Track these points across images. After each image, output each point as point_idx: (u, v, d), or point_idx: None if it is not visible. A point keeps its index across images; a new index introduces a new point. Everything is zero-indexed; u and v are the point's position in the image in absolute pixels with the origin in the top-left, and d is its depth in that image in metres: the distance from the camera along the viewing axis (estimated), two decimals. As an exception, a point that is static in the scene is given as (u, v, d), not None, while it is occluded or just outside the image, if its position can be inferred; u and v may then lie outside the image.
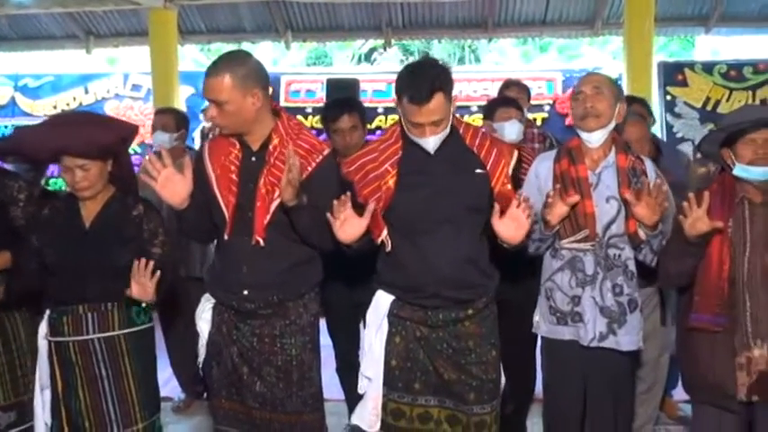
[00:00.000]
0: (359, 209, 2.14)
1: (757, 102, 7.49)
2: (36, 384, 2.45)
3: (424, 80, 2.06)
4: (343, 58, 14.26)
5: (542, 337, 2.52)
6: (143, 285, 2.25)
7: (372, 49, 14.22)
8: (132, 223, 2.36)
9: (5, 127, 7.95)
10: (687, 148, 6.96)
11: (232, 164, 2.22)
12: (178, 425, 3.64)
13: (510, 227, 2.10)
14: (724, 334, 2.21)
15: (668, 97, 7.80)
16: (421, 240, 2.17)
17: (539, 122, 7.84)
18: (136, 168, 2.78)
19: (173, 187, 2.14)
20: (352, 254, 2.18)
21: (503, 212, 2.11)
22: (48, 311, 2.41)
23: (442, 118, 2.13)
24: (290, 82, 8.18)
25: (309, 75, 8.63)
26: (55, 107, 8.21)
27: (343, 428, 3.31)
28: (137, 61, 9.23)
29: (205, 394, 3.14)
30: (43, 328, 2.40)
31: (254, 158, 2.23)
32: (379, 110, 7.80)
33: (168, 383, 3.87)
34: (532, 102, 7.93)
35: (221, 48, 8.36)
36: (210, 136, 2.98)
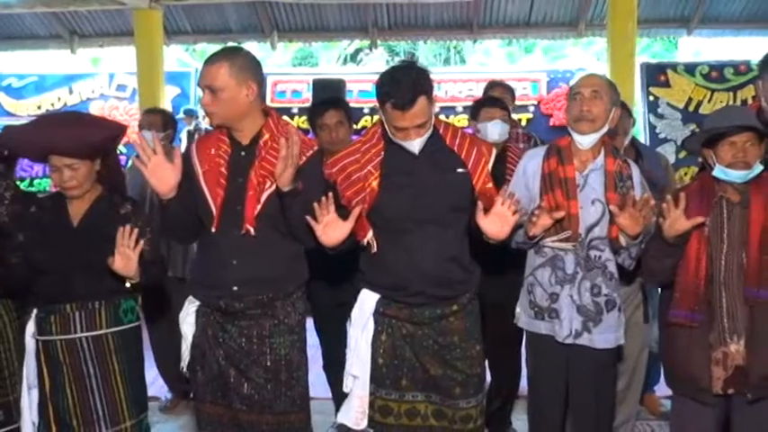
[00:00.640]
0: (342, 210, 2.16)
1: (738, 102, 7.59)
2: (23, 384, 2.44)
3: (406, 85, 2.08)
4: (329, 59, 14.28)
5: (525, 331, 2.56)
6: (126, 256, 2.22)
7: (358, 50, 14.25)
8: (120, 222, 2.36)
9: (-11, 127, 7.90)
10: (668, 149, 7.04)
11: (221, 158, 2.23)
12: (165, 424, 3.64)
13: (496, 224, 2.11)
14: (700, 329, 2.26)
15: (651, 98, 7.90)
16: (405, 240, 2.19)
17: (524, 123, 7.92)
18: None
19: (162, 174, 2.12)
20: (334, 254, 2.19)
21: (486, 210, 2.13)
22: (35, 311, 2.40)
23: (426, 120, 2.15)
24: (277, 82, 8.20)
25: (295, 75, 8.65)
26: (39, 107, 8.18)
27: (330, 427, 3.32)
28: (122, 61, 9.18)
29: (192, 394, 3.14)
30: (30, 327, 2.40)
31: (243, 153, 2.24)
32: (365, 110, 7.83)
33: (155, 383, 3.88)
34: (517, 102, 8.04)
35: (207, 48, 8.36)
36: (197, 137, 2.98)
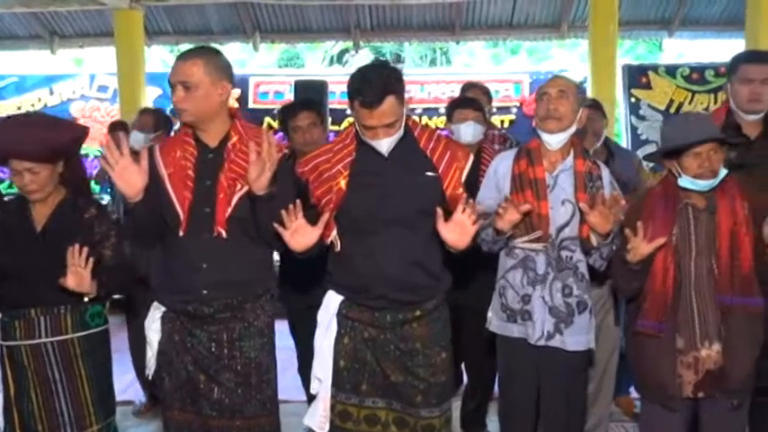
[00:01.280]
0: (313, 210, 2.15)
1: (719, 104, 7.64)
2: (-12, 389, 2.43)
3: (375, 83, 2.07)
4: (314, 60, 14.25)
5: (497, 335, 2.55)
6: (78, 274, 2.21)
7: (344, 51, 14.22)
8: (84, 226, 2.34)
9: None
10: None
11: (188, 161, 2.20)
12: (137, 429, 3.62)
13: (455, 232, 2.08)
14: (666, 338, 2.26)
15: (632, 99, 7.93)
16: (369, 241, 2.18)
17: (506, 124, 7.94)
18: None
19: (129, 177, 2.10)
20: (303, 258, 2.17)
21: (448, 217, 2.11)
22: (-1, 315, 2.38)
23: (395, 120, 2.14)
24: (259, 83, 8.16)
25: (278, 76, 8.61)
26: (19, 108, 8.09)
27: (303, 430, 3.31)
28: (104, 62, 9.11)
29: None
30: (-5, 332, 2.38)
31: (210, 155, 2.22)
32: (348, 111, 7.81)
33: (131, 387, 3.85)
34: (500, 104, 8.06)
35: (189, 49, 8.29)
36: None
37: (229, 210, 2.16)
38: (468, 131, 3.10)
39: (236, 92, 8.13)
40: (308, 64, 14.11)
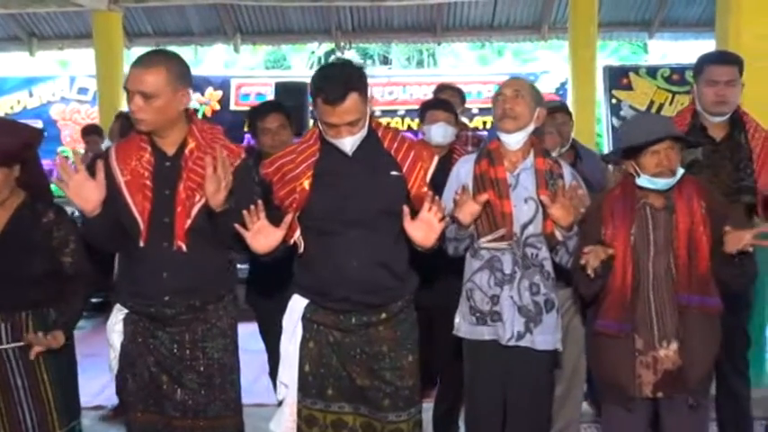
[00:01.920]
0: (277, 211, 2.14)
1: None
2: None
3: (338, 81, 2.06)
4: (300, 62, 14.24)
5: (464, 340, 2.55)
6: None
7: (330, 52, 14.21)
8: (42, 230, 2.31)
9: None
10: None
11: (145, 169, 2.16)
12: (108, 432, 3.59)
13: (421, 230, 2.09)
14: (626, 339, 2.26)
15: (614, 101, 7.98)
16: (332, 242, 2.16)
17: (488, 125, 7.96)
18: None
19: (85, 193, 2.08)
20: (267, 261, 2.16)
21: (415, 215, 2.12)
22: (-40, 322, 2.35)
23: (358, 118, 2.12)
24: (240, 85, 8.16)
25: (260, 78, 8.63)
26: (-2, 110, 8.05)
27: (272, 434, 3.29)
28: (85, 64, 9.06)
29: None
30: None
31: (168, 163, 2.18)
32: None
33: (104, 391, 3.81)
34: (483, 105, 8.08)
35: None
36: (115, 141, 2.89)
37: (188, 222, 2.14)
38: (439, 132, 3.10)
39: (218, 94, 8.12)
40: (294, 66, 14.10)
